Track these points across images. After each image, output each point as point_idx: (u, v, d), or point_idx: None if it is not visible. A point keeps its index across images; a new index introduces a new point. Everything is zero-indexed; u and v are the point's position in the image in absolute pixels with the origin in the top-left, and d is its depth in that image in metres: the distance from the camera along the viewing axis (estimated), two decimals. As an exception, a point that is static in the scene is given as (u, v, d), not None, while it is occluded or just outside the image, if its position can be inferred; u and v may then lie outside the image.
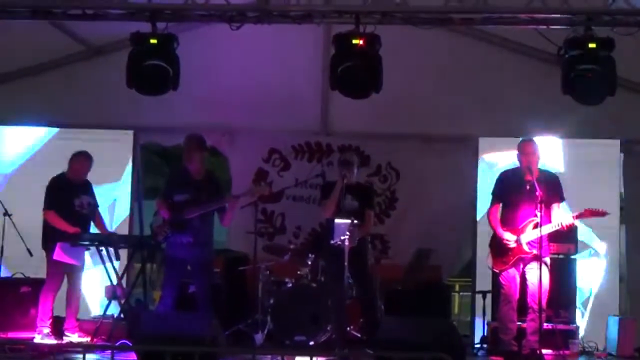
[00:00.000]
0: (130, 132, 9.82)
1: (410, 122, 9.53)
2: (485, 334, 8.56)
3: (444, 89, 9.33)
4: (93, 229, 8.48)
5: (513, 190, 7.64)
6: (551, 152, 9.11)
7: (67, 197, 8.30)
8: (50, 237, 8.20)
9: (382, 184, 9.80)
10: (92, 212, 8.50)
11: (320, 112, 9.85)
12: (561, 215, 7.52)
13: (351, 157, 8.51)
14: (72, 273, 8.35)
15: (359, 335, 8.38)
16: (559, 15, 6.86)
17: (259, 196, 8.39)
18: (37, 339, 8.11)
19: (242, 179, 9.59)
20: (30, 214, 8.57)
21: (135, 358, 6.74)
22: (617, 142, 9.31)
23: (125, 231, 9.45)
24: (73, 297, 8.42)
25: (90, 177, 8.58)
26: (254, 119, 9.64)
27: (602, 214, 7.54)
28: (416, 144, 9.76)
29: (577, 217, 7.52)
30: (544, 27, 6.99)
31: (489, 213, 7.84)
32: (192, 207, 7.78)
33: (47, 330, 8.18)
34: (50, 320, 8.24)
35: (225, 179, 9.85)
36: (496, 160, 9.28)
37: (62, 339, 8.22)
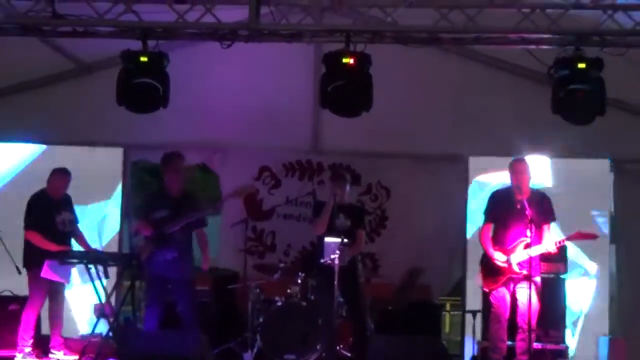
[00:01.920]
0: (120, 149, 9.84)
1: (401, 140, 9.54)
2: (476, 353, 8.55)
3: (434, 108, 9.34)
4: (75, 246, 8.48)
5: (504, 210, 7.65)
6: (541, 170, 9.15)
7: (49, 214, 8.28)
8: (36, 255, 8.12)
9: (373, 202, 9.80)
10: (72, 229, 8.48)
11: (311, 130, 9.86)
12: (551, 237, 7.52)
13: (344, 174, 8.62)
14: (54, 290, 8.31)
15: (349, 354, 8.34)
16: (548, 36, 6.88)
17: (245, 196, 8.52)
18: (18, 358, 8.06)
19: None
20: (19, 232, 8.53)
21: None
22: (607, 161, 9.36)
23: (114, 249, 9.44)
24: (57, 314, 8.38)
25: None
26: (245, 137, 9.65)
27: (592, 236, 7.57)
28: (407, 162, 9.77)
29: (567, 239, 7.54)
30: (534, 47, 7.03)
31: (480, 232, 7.85)
32: (173, 222, 7.80)
33: (28, 349, 8.12)
34: (32, 340, 8.19)
35: (216, 196, 9.82)
36: (488, 180, 9.32)
37: (48, 357, 8.18)
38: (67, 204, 8.49)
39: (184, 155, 8.25)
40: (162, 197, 8.07)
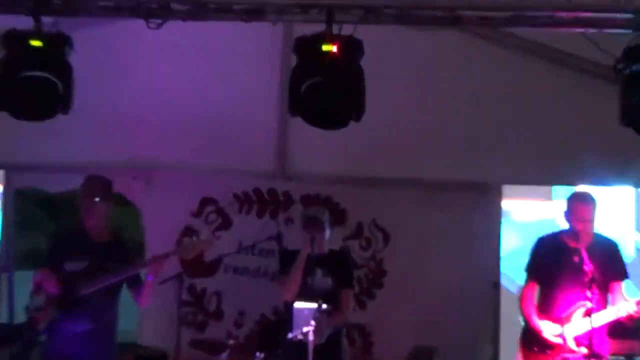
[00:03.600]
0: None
1: (403, 163, 9.59)
2: None
3: (451, 118, 9.39)
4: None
5: (554, 264, 7.77)
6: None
7: None
8: None
9: (365, 251, 9.83)
10: None
11: (276, 147, 9.90)
12: (623, 299, 7.60)
13: (321, 214, 8.63)
14: None
15: None
16: (614, 15, 6.91)
17: (197, 254, 8.54)
18: None
19: (160, 241, 9.48)
20: None
21: None
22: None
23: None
24: None
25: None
26: (180, 156, 9.70)
27: None
28: (412, 193, 9.81)
29: None
30: (594, 30, 7.04)
31: (521, 295, 7.96)
32: (92, 280, 7.74)
33: None
34: None
35: (137, 239, 9.80)
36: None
37: None
38: None
39: (111, 180, 8.24)
40: (78, 241, 8.05)
